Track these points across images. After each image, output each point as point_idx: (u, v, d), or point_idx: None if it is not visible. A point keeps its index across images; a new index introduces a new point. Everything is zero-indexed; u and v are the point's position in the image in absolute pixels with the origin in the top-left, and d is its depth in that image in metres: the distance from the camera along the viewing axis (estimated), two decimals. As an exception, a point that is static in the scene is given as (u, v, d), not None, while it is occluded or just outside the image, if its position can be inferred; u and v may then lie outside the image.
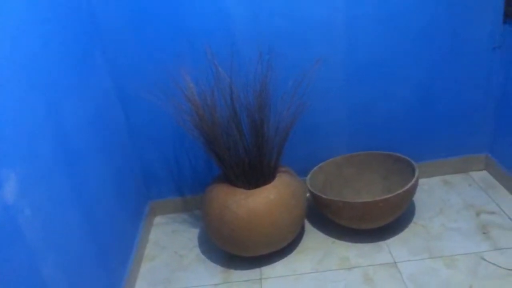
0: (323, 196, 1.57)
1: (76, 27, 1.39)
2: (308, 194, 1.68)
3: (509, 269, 1.38)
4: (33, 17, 1.12)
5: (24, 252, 0.94)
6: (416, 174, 1.57)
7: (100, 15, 1.53)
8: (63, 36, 1.28)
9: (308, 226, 1.74)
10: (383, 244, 1.58)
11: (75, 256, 1.17)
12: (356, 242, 1.60)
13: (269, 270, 1.54)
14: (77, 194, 1.23)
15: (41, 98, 1.10)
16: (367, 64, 1.67)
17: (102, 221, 1.38)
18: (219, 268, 1.59)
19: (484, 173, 1.89)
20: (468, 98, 1.76)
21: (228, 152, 1.51)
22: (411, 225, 1.65)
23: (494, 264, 1.41)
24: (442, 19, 1.61)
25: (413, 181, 1.52)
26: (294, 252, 1.61)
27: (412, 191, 1.55)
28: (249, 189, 1.50)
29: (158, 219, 1.93)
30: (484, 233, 1.55)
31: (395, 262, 1.49)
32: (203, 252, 1.69)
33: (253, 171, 1.54)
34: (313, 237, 1.67)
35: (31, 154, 1.02)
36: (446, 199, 1.77)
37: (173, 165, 1.85)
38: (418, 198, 1.77)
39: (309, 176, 1.73)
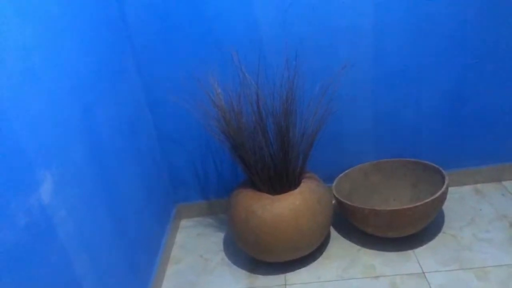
0: (349, 203, 1.56)
1: (111, 37, 1.44)
2: (334, 201, 1.67)
3: (545, 283, 1.32)
4: (70, 26, 1.17)
5: (58, 252, 0.98)
6: (446, 182, 1.53)
7: (132, 25, 1.58)
8: (98, 44, 1.34)
9: (333, 233, 1.72)
10: (411, 253, 1.54)
11: (105, 256, 1.20)
12: (382, 250, 1.58)
13: (293, 276, 1.54)
14: (107, 196, 1.27)
15: (76, 103, 1.15)
16: (394, 70, 1.65)
17: (131, 223, 1.41)
18: (244, 273, 1.60)
19: (519, 183, 1.83)
20: (500, 103, 1.71)
21: (254, 158, 1.52)
22: (441, 234, 1.61)
23: (529, 278, 1.35)
24: (472, 25, 1.57)
25: (442, 189, 1.49)
26: (319, 259, 1.60)
27: (441, 199, 1.52)
28: (274, 194, 1.50)
29: (184, 222, 1.96)
30: (518, 244, 1.50)
31: (423, 272, 1.45)
32: (228, 256, 1.70)
33: (278, 177, 1.54)
34: (339, 245, 1.66)
35: (66, 156, 1.07)
36: (478, 209, 1.71)
37: (200, 170, 1.88)
38: (448, 207, 1.73)
39: (335, 182, 1.71)
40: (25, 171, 0.90)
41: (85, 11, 1.28)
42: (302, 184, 1.54)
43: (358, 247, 1.62)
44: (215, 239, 1.82)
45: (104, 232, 1.22)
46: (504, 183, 1.84)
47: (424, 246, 1.56)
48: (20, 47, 0.94)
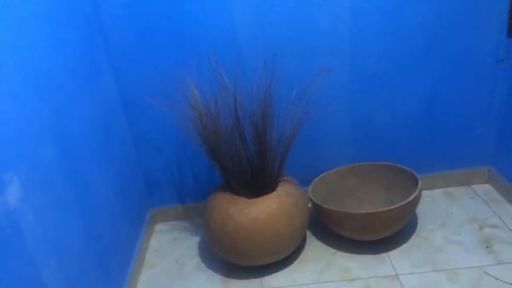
0: (325, 207, 1.57)
1: (83, 35, 1.40)
2: (310, 204, 1.67)
3: (512, 284, 1.37)
4: (42, 23, 1.13)
5: (25, 257, 0.94)
6: (419, 186, 1.56)
7: (107, 24, 1.55)
8: (70, 43, 1.30)
9: (309, 236, 1.73)
10: (385, 256, 1.57)
11: (76, 261, 1.16)
12: (357, 253, 1.59)
13: (269, 280, 1.53)
14: (79, 200, 1.23)
15: (46, 103, 1.11)
16: (371, 75, 1.68)
17: (103, 227, 1.37)
18: (219, 277, 1.58)
19: (487, 186, 1.89)
20: (472, 111, 1.77)
21: (231, 161, 1.51)
22: (414, 237, 1.64)
23: (497, 279, 1.39)
24: (447, 32, 1.62)
25: (416, 193, 1.52)
26: (295, 263, 1.60)
27: (415, 203, 1.55)
28: (251, 198, 1.49)
29: (159, 227, 1.93)
30: (487, 247, 1.54)
31: (397, 275, 1.47)
32: (204, 260, 1.68)
33: (255, 180, 1.53)
34: (315, 248, 1.66)
35: (35, 159, 1.03)
36: (449, 212, 1.76)
37: (175, 173, 1.85)
38: (421, 210, 1.77)
39: (311, 186, 1.72)
40: (-10, 173, 0.86)
41: (58, 8, 1.24)
42: (279, 188, 1.54)
43: (333, 250, 1.63)
44: (190, 244, 1.79)
45: (75, 237, 1.18)
46: (473, 186, 1.90)
47: (398, 249, 1.59)
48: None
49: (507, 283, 1.37)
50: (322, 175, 1.78)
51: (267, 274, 1.55)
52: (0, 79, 0.92)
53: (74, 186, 1.21)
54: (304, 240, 1.70)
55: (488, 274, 1.42)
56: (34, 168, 1.02)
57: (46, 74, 1.13)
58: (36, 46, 1.09)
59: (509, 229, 1.61)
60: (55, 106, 1.15)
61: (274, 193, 1.51)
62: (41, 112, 1.08)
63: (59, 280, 1.06)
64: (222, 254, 1.56)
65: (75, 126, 1.26)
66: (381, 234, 1.56)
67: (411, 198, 1.49)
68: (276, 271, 1.57)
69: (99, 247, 1.32)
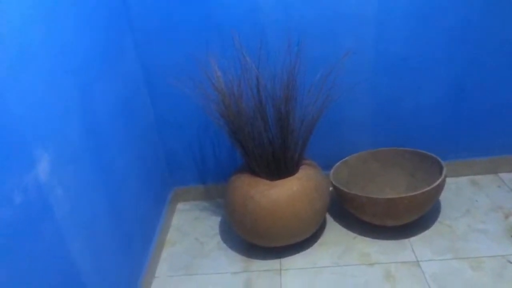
0: (347, 191, 1.56)
1: (109, 16, 1.41)
2: (331, 188, 1.67)
3: (538, 275, 1.34)
4: (70, 4, 1.14)
5: (54, 230, 0.97)
6: (444, 172, 1.53)
7: (132, 5, 1.55)
8: (97, 24, 1.31)
9: (330, 220, 1.73)
10: (406, 242, 1.55)
11: (101, 237, 1.20)
12: (378, 238, 1.58)
13: (289, 262, 1.55)
14: (103, 177, 1.26)
15: (73, 83, 1.13)
16: (396, 58, 1.64)
17: (127, 205, 1.41)
18: (239, 257, 1.60)
19: (515, 175, 1.83)
20: (501, 97, 1.70)
21: (253, 143, 1.51)
22: (436, 224, 1.62)
23: (522, 269, 1.37)
24: (478, 15, 1.55)
25: (440, 180, 1.49)
26: (315, 245, 1.61)
27: (438, 189, 1.52)
28: (272, 180, 1.50)
29: (180, 206, 1.96)
30: (512, 236, 1.51)
31: (418, 261, 1.46)
32: (224, 240, 1.71)
33: (276, 163, 1.53)
34: (335, 232, 1.66)
35: (62, 136, 1.05)
36: (474, 200, 1.72)
37: (197, 153, 1.87)
38: (445, 197, 1.73)
39: (333, 170, 1.71)
40: (21, 149, 0.89)
41: (84, -12, 1.25)
42: (300, 171, 1.54)
43: (354, 234, 1.63)
44: (211, 223, 1.82)
45: (100, 213, 1.21)
46: (500, 175, 1.85)
47: (420, 235, 1.57)
48: (17, 22, 0.91)
49: (533, 273, 1.34)
50: (344, 159, 1.77)
51: (287, 256, 1.57)
52: (29, 59, 0.94)
53: (99, 164, 1.24)
54: (324, 224, 1.70)
55: (513, 264, 1.39)
56: (62, 145, 1.04)
57: (73, 55, 1.14)
58: (63, 27, 1.11)
59: (537, 219, 1.57)
60: (81, 85, 1.17)
61: (295, 176, 1.51)
62: (69, 91, 1.10)
63: (86, 255, 1.10)
64: (243, 234, 1.58)
65: (100, 105, 1.28)
66: (403, 220, 1.54)
67: (434, 184, 1.47)
68: (296, 252, 1.58)
69: (123, 224, 1.36)
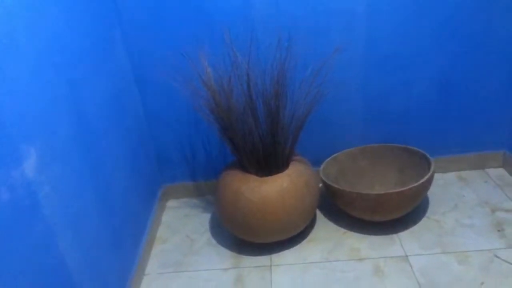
0: (336, 187, 1.57)
1: (96, 9, 1.39)
2: (321, 184, 1.68)
3: (523, 268, 1.36)
4: (55, -4, 1.13)
5: (42, 227, 0.96)
6: (432, 168, 1.55)
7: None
8: (84, 17, 1.29)
9: (320, 216, 1.74)
10: (395, 237, 1.57)
11: (91, 234, 1.19)
12: (367, 234, 1.60)
13: (279, 258, 1.55)
14: (93, 174, 1.24)
15: (61, 77, 1.11)
16: (386, 54, 1.65)
17: (116, 202, 1.40)
18: (229, 253, 1.60)
19: (501, 170, 1.86)
20: (488, 93, 1.73)
21: (243, 139, 1.51)
22: (424, 219, 1.64)
23: (508, 262, 1.39)
24: (465, 11, 1.57)
25: (428, 175, 1.51)
26: (305, 241, 1.61)
27: (427, 185, 1.54)
28: (262, 176, 1.50)
29: (170, 203, 1.95)
30: (498, 230, 1.53)
31: (407, 255, 1.48)
32: (214, 236, 1.70)
33: (267, 159, 1.54)
34: (325, 227, 1.67)
35: (50, 131, 1.04)
36: (461, 195, 1.75)
37: (187, 150, 1.86)
38: (433, 192, 1.76)
39: (322, 166, 1.72)
40: (7, 145, 0.87)
41: (72, -19, 1.23)
42: (290, 167, 1.54)
43: (343, 230, 1.64)
44: (201, 220, 1.81)
45: (89, 210, 1.20)
46: (487, 170, 1.88)
47: (408, 230, 1.59)
48: (2, 15, 0.90)
49: (518, 266, 1.37)
50: (334, 155, 1.78)
51: (277, 252, 1.57)
52: (16, 52, 0.93)
53: (88, 159, 1.22)
54: (314, 220, 1.71)
55: (499, 258, 1.42)
56: (50, 141, 1.03)
57: (60, 48, 1.13)
58: (50, 21, 1.09)
59: (522, 213, 1.60)
60: (70, 80, 1.16)
61: (285, 172, 1.51)
62: (56, 85, 1.09)
63: (75, 252, 1.09)
64: (233, 231, 1.58)
65: (89, 100, 1.26)
66: (392, 215, 1.56)
67: (423, 180, 1.48)
68: (286, 248, 1.58)
69: (113, 221, 1.35)
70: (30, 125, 0.95)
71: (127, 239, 1.46)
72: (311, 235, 1.64)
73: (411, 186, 1.46)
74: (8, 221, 0.85)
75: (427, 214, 1.67)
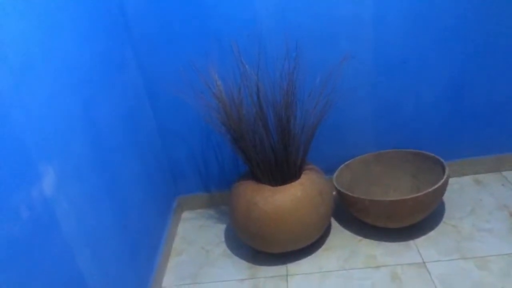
0: (350, 194, 1.56)
1: (109, 28, 1.43)
2: (334, 192, 1.67)
3: (545, 272, 1.33)
4: (69, 18, 1.16)
5: (61, 244, 0.98)
6: (446, 172, 1.53)
7: (131, 18, 1.57)
8: (97, 37, 1.33)
9: (334, 224, 1.73)
10: (411, 243, 1.55)
11: (108, 250, 1.21)
12: (383, 240, 1.59)
13: (295, 267, 1.55)
14: (109, 190, 1.27)
15: (76, 96, 1.15)
16: (394, 61, 1.65)
17: (132, 216, 1.42)
18: (245, 263, 1.61)
19: (519, 173, 1.83)
20: (501, 94, 1.71)
21: (255, 149, 1.52)
22: (441, 224, 1.62)
23: (529, 267, 1.36)
24: (474, 14, 1.56)
25: (443, 180, 1.49)
26: (321, 250, 1.61)
27: (442, 190, 1.52)
28: (275, 186, 1.51)
29: (185, 214, 1.97)
30: (518, 234, 1.51)
31: (424, 262, 1.46)
32: (230, 247, 1.71)
33: (279, 169, 1.54)
34: (340, 235, 1.66)
35: (67, 150, 1.07)
36: (478, 199, 1.72)
37: (200, 162, 1.88)
38: (449, 197, 1.73)
39: (335, 174, 1.72)
40: (27, 164, 0.90)
41: (83, 4, 1.27)
42: (303, 176, 1.54)
43: (359, 237, 1.63)
44: (216, 231, 1.82)
45: (106, 226, 1.22)
46: (504, 173, 1.85)
47: (425, 236, 1.57)
48: (19, 39, 0.93)
49: (540, 271, 1.34)
50: (347, 162, 1.77)
51: (293, 261, 1.57)
52: (31, 75, 0.96)
53: (104, 176, 1.25)
54: (329, 228, 1.70)
55: (519, 262, 1.39)
56: (67, 159, 1.06)
57: (75, 69, 1.16)
58: (64, 42, 1.13)
59: (542, 216, 1.57)
60: (84, 99, 1.19)
61: (298, 181, 1.51)
62: (72, 105, 1.12)
63: (94, 268, 1.11)
64: (248, 241, 1.59)
65: (103, 118, 1.29)
66: (407, 221, 1.54)
67: (437, 185, 1.47)
68: (302, 258, 1.58)
69: (129, 235, 1.37)
70: (48, 145, 0.98)
71: (144, 252, 1.48)
72: (327, 244, 1.63)
73: (426, 191, 1.45)
74: (28, 238, 0.87)
75: (444, 219, 1.64)
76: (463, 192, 1.78)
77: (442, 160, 1.62)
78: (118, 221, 1.30)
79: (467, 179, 1.85)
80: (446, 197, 1.72)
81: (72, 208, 1.05)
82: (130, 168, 1.45)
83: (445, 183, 1.52)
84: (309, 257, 1.58)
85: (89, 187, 1.16)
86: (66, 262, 0.99)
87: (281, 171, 1.54)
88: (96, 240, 1.15)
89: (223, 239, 1.77)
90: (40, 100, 0.98)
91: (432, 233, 1.58)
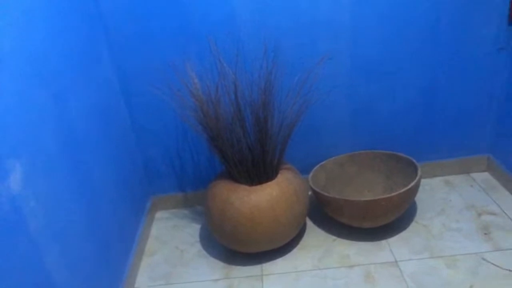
0: (325, 194, 1.58)
1: (82, 21, 1.39)
2: (310, 192, 1.68)
3: (510, 270, 1.38)
4: (41, 10, 1.12)
5: (28, 242, 0.94)
6: (419, 174, 1.57)
7: (107, 12, 1.53)
8: (69, 29, 1.29)
9: (309, 224, 1.74)
10: (384, 242, 1.58)
11: (78, 248, 1.17)
12: (357, 240, 1.61)
13: (270, 267, 1.55)
14: (80, 187, 1.23)
15: (46, 90, 1.11)
16: (371, 63, 1.68)
17: (104, 215, 1.38)
18: (220, 263, 1.59)
19: (486, 175, 1.90)
20: (471, 99, 1.77)
21: (232, 149, 1.51)
22: (413, 224, 1.66)
23: (495, 265, 1.41)
24: (447, 20, 1.61)
25: (415, 181, 1.53)
26: (295, 249, 1.61)
27: (414, 190, 1.56)
28: (251, 185, 1.50)
29: (159, 214, 1.94)
30: (485, 233, 1.56)
31: (396, 261, 1.49)
32: (204, 247, 1.69)
33: (256, 168, 1.54)
34: (315, 235, 1.68)
35: (36, 146, 1.03)
36: (448, 200, 1.77)
37: (176, 161, 1.85)
38: (420, 198, 1.78)
39: (311, 174, 1.73)
40: (-7, 160, 0.86)
41: (57, -5, 1.23)
42: (279, 175, 1.55)
43: (333, 237, 1.65)
44: (191, 231, 1.80)
45: (76, 224, 1.18)
46: (472, 175, 1.91)
47: (397, 236, 1.61)
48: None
49: (505, 269, 1.39)
50: (322, 163, 1.79)
51: (268, 261, 1.57)
52: (0, 65, 0.92)
53: (75, 173, 1.21)
54: (304, 228, 1.71)
55: (486, 261, 1.44)
56: (36, 155, 1.02)
57: (46, 61, 1.12)
58: (35, 33, 1.08)
59: (507, 216, 1.63)
60: (55, 93, 1.15)
61: (274, 180, 1.51)
62: (41, 99, 1.08)
63: (62, 267, 1.07)
64: (223, 241, 1.57)
65: (75, 113, 1.25)
66: (381, 221, 1.57)
67: (410, 186, 1.50)
68: (277, 257, 1.58)
69: (101, 235, 1.33)
70: (15, 140, 0.94)
71: (116, 252, 1.44)
72: (302, 243, 1.64)
73: (399, 192, 1.48)
74: (-7, 237, 0.83)
75: (415, 219, 1.68)
76: (434, 193, 1.83)
77: (414, 161, 1.66)
78: (89, 219, 1.26)
79: (438, 180, 1.91)
80: (417, 198, 1.76)
81: (41, 205, 1.01)
82: (102, 165, 1.41)
83: (417, 184, 1.56)
84: (284, 257, 1.58)
85: (59, 184, 1.12)
86: (33, 261, 0.95)
87: (258, 170, 1.54)
88: (66, 239, 1.11)
89: (198, 239, 1.75)
90: (6, 91, 0.93)
91: (404, 233, 1.62)
